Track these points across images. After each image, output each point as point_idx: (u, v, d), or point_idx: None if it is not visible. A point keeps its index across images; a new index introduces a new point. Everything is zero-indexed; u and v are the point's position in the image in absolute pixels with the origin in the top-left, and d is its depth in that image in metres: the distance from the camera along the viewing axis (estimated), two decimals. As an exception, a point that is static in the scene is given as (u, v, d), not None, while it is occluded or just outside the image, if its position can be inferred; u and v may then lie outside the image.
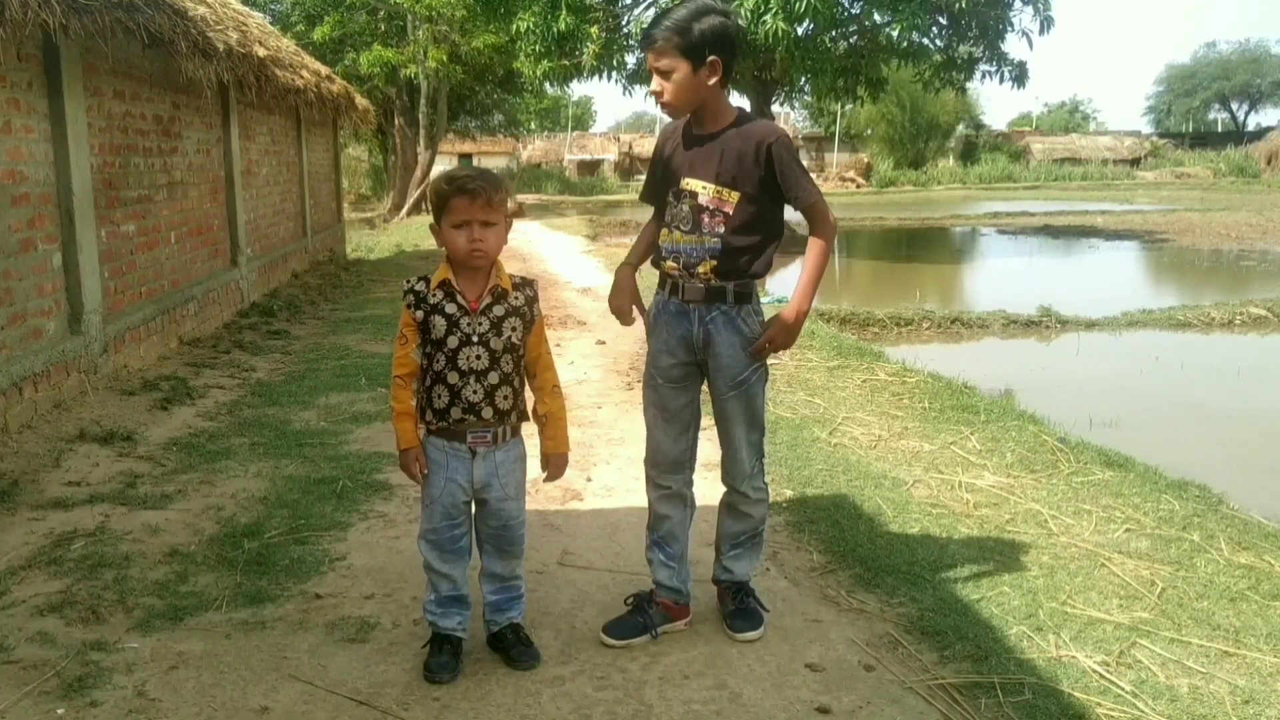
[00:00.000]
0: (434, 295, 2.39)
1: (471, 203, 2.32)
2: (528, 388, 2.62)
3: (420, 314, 2.39)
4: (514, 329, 2.42)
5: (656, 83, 2.69)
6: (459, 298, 2.38)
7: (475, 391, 2.38)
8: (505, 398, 2.43)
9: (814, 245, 2.76)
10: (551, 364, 2.56)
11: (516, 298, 2.43)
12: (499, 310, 2.40)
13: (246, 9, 9.36)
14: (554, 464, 2.59)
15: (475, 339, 2.37)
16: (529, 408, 2.61)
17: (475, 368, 2.37)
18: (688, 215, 2.75)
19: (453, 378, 2.38)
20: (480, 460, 2.46)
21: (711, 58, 2.65)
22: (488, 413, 2.41)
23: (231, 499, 3.98)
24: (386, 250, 15.25)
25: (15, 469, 4.20)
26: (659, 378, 2.87)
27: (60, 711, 2.46)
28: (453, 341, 2.37)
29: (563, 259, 14.10)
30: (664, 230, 2.84)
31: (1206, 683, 2.67)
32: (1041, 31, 13.97)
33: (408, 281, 2.47)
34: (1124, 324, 9.80)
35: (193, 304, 7.25)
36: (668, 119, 2.92)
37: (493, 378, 2.40)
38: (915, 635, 2.90)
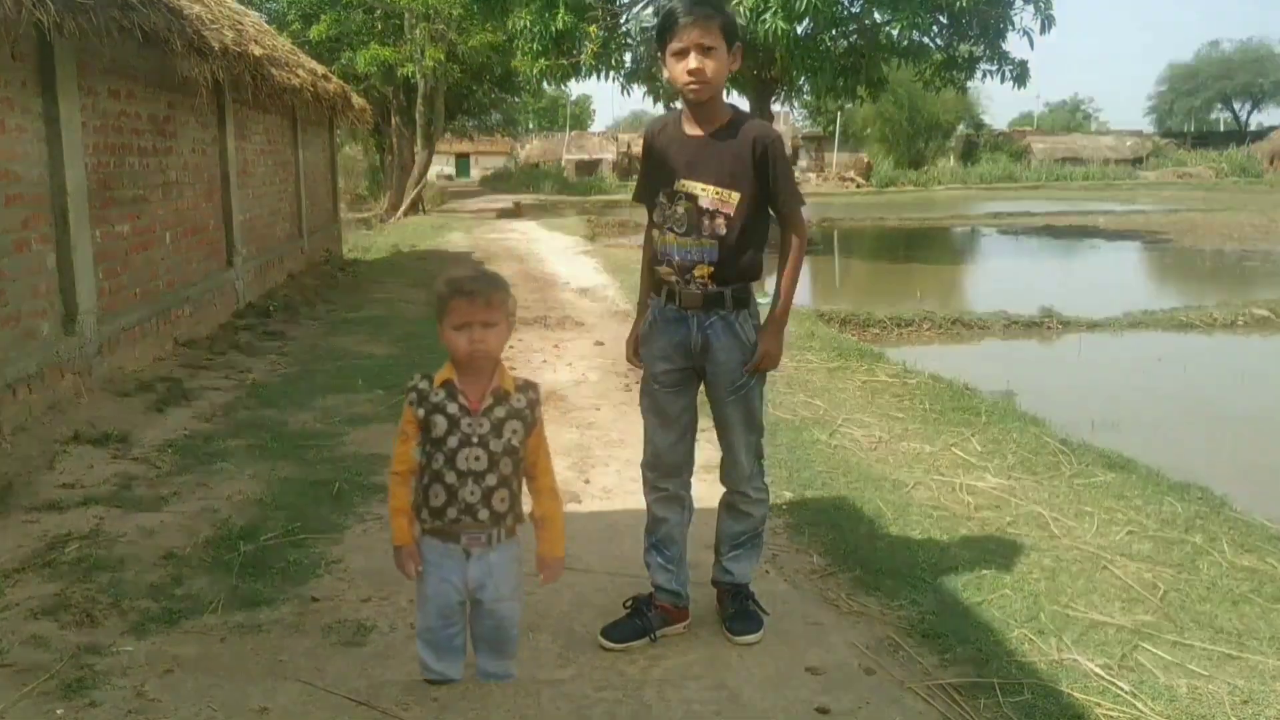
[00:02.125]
0: (436, 394, 2.38)
1: (471, 305, 2.31)
2: (525, 490, 2.58)
3: (422, 412, 2.38)
4: (514, 432, 2.40)
5: (697, 59, 2.60)
6: (460, 398, 2.37)
7: (472, 492, 2.38)
8: (502, 500, 2.42)
9: (792, 254, 2.81)
10: (550, 467, 2.53)
11: (518, 399, 2.42)
12: (500, 412, 2.39)
13: (242, 7, 9.34)
14: (550, 566, 2.56)
15: (475, 440, 2.36)
16: (526, 510, 2.57)
17: (474, 469, 2.36)
18: (683, 217, 2.73)
19: (450, 478, 2.37)
20: (475, 561, 2.44)
21: (737, 44, 2.65)
22: (484, 514, 2.40)
23: (227, 501, 3.95)
24: (383, 250, 15.22)
25: (9, 471, 4.17)
26: (655, 384, 2.86)
27: (59, 712, 2.45)
28: (452, 441, 2.36)
29: (561, 259, 14.09)
30: (655, 231, 2.81)
31: (1206, 684, 2.66)
32: (1043, 30, 13.94)
33: (411, 379, 2.46)
34: (1126, 325, 9.78)
35: (188, 305, 7.22)
36: (657, 114, 2.91)
37: (491, 479, 2.39)
38: (916, 638, 2.88)
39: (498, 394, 2.38)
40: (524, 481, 2.48)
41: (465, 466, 2.35)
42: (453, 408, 2.36)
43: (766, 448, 3.12)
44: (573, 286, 11.00)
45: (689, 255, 2.73)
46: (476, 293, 2.32)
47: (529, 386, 2.46)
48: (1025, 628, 2.94)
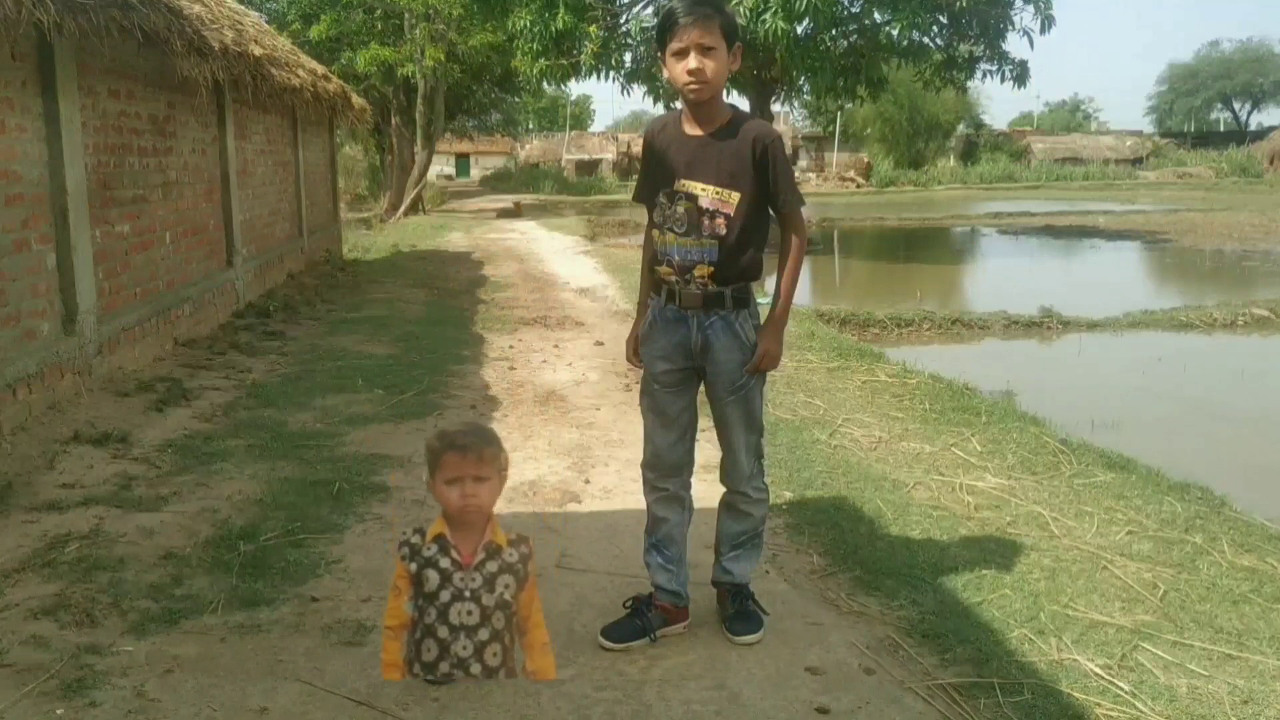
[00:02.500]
0: (428, 549, 2.39)
1: (463, 459, 2.32)
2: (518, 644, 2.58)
3: (414, 566, 2.39)
4: (506, 586, 2.40)
5: (697, 59, 2.60)
6: (453, 552, 2.39)
7: (465, 647, 2.39)
8: (494, 654, 2.43)
9: (792, 254, 2.81)
10: (542, 622, 2.53)
11: (511, 554, 2.42)
12: (492, 566, 2.39)
13: (242, 8, 9.33)
14: None
15: (467, 594, 2.37)
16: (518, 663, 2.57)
17: (466, 623, 2.37)
18: (683, 217, 2.73)
19: (443, 632, 2.38)
20: None
21: (737, 44, 2.65)
22: (476, 668, 2.41)
23: (227, 501, 3.95)
24: (383, 250, 15.22)
25: (9, 471, 4.17)
26: (655, 384, 2.86)
27: (60, 712, 2.45)
28: (445, 596, 2.38)
29: (561, 259, 14.08)
30: (655, 232, 2.81)
31: (1205, 683, 2.66)
32: (1043, 30, 13.95)
33: (404, 533, 2.47)
34: (1126, 325, 9.78)
35: (188, 305, 7.22)
36: (657, 114, 2.91)
37: (483, 634, 2.40)
38: (916, 638, 2.88)
39: (490, 548, 2.38)
40: (516, 637, 2.46)
41: (458, 621, 2.35)
42: (445, 562, 2.36)
43: (766, 448, 3.12)
44: (573, 286, 11.00)
45: (689, 255, 2.73)
46: (469, 448, 2.32)
47: (521, 541, 2.45)
48: (1025, 628, 2.94)
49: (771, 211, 2.79)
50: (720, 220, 2.69)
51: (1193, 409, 6.82)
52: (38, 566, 3.28)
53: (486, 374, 6.41)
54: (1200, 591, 3.22)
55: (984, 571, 3.32)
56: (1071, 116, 72.57)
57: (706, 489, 3.23)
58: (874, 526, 3.74)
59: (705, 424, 3.00)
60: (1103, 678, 2.67)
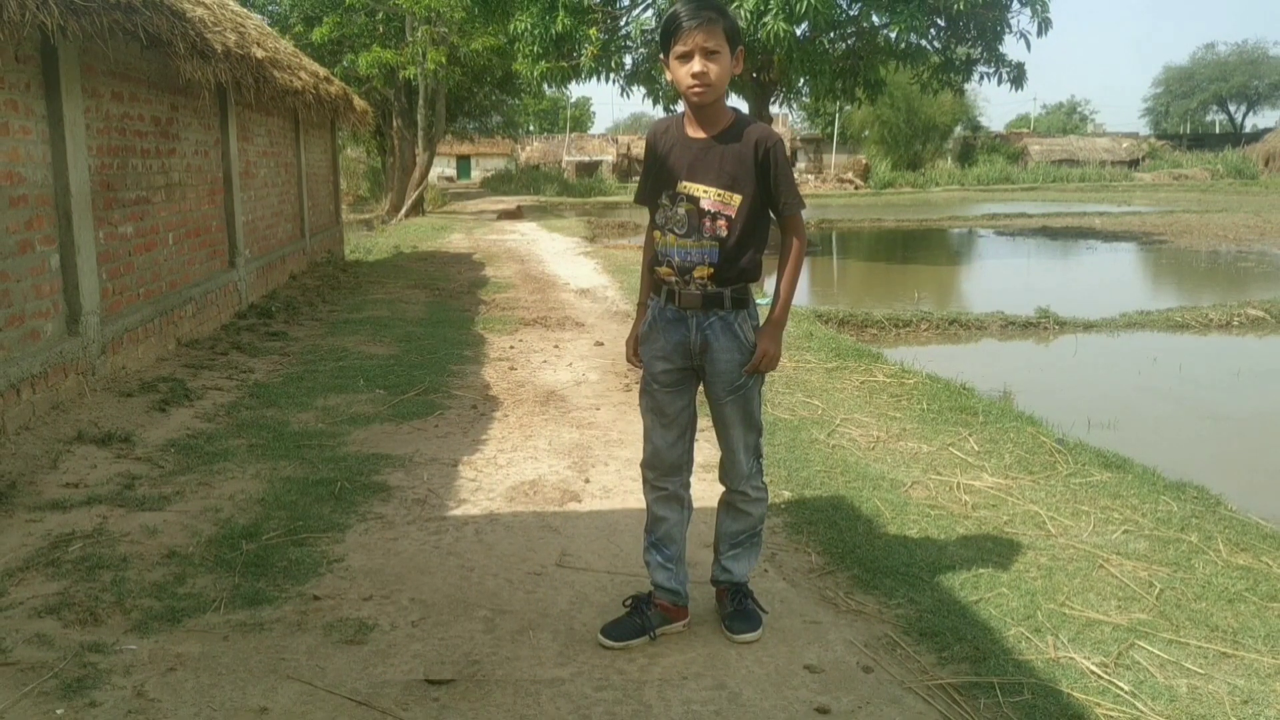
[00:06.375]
0: None
1: None
2: None
3: None
4: None
5: (701, 63, 2.62)
6: None
7: None
8: None
9: (792, 257, 2.84)
10: None
11: None
12: None
13: (245, 10, 9.35)
14: None
15: None
16: None
17: None
18: (684, 219, 2.75)
19: None
20: None
21: (740, 47, 2.68)
22: None
23: (229, 500, 3.97)
24: (385, 252, 15.25)
25: (13, 471, 4.19)
26: (654, 384, 2.87)
27: (60, 712, 2.46)
28: None
29: (561, 260, 14.11)
30: (656, 233, 2.84)
31: (1205, 683, 2.67)
32: (1039, 33, 13.98)
33: None
34: (1122, 325, 9.81)
35: (190, 305, 7.24)
36: (657, 116, 2.94)
37: None
38: (914, 637, 2.90)
39: None
40: None
41: None
42: None
43: (765, 447, 3.14)
44: (573, 287, 11.02)
45: (689, 256, 2.75)
46: None
47: None
48: (1022, 626, 2.96)
49: (772, 214, 2.82)
50: (721, 222, 2.72)
51: (1188, 409, 6.85)
52: (41, 565, 3.30)
53: (487, 374, 6.43)
54: (1196, 590, 3.24)
55: (981, 570, 3.34)
56: (1068, 118, 72.68)
57: (706, 488, 3.25)
58: (872, 525, 3.76)
59: (705, 424, 3.02)
60: (1099, 676, 2.69)
